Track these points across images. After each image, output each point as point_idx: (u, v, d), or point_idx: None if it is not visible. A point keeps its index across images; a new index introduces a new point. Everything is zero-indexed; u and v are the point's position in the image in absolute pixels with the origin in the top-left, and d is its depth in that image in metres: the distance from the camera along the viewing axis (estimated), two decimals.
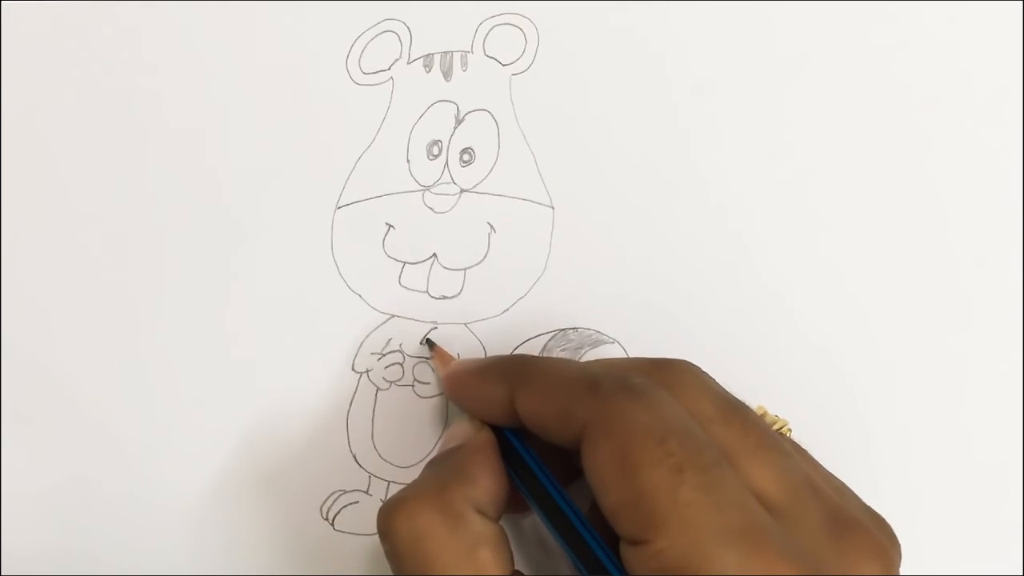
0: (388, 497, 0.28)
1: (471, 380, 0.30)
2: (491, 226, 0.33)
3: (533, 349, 0.34)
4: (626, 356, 0.33)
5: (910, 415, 0.35)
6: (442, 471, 0.28)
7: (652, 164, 0.34)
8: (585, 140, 0.33)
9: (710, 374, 0.28)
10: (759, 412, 0.29)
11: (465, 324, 0.33)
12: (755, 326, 0.34)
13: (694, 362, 0.29)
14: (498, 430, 0.29)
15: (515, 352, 0.34)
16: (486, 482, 0.28)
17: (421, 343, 0.33)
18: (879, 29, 0.34)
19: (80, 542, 0.33)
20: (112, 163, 0.32)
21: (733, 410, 0.27)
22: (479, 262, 0.33)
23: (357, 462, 0.33)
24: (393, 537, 0.26)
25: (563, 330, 0.34)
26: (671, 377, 0.27)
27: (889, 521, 0.27)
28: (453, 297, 0.33)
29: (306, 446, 0.33)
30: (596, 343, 0.34)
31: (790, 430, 0.30)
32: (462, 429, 0.29)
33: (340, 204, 0.33)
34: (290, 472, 0.33)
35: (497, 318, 0.34)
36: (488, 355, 0.33)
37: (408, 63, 0.33)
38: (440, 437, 0.33)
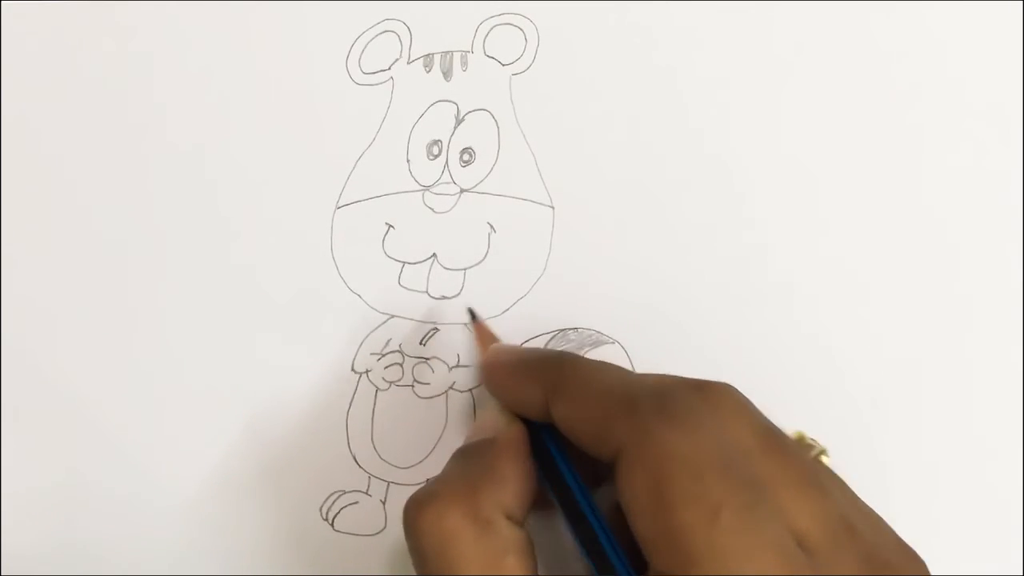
0: (417, 490, 0.27)
1: (508, 374, 0.29)
2: (491, 226, 0.33)
3: None
4: (666, 374, 0.31)
5: (910, 415, 0.35)
6: (473, 469, 0.27)
7: (652, 164, 0.34)
8: (585, 140, 0.33)
9: (750, 399, 0.27)
10: (797, 437, 0.28)
11: (465, 324, 0.33)
12: (756, 326, 0.34)
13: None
14: (531, 424, 0.28)
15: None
16: (516, 485, 0.27)
17: (422, 343, 0.33)
18: (878, 29, 0.34)
19: (80, 542, 0.33)
20: (112, 163, 0.32)
21: (774, 441, 0.26)
22: (479, 262, 0.33)
23: (357, 462, 0.33)
24: (419, 535, 0.26)
25: (563, 330, 0.34)
26: (711, 401, 0.26)
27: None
28: (453, 297, 0.33)
29: (306, 446, 0.33)
30: (596, 343, 0.34)
31: (828, 456, 0.29)
32: (493, 420, 0.29)
33: (340, 204, 0.33)
34: (290, 472, 0.33)
35: (497, 318, 0.33)
36: (527, 347, 0.33)
37: (408, 63, 0.33)
38: (439, 438, 0.33)
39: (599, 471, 0.29)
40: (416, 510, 0.26)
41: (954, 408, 0.35)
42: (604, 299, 0.34)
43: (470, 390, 0.34)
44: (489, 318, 0.33)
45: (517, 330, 0.34)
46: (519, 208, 0.33)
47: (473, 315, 0.33)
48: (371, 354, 0.33)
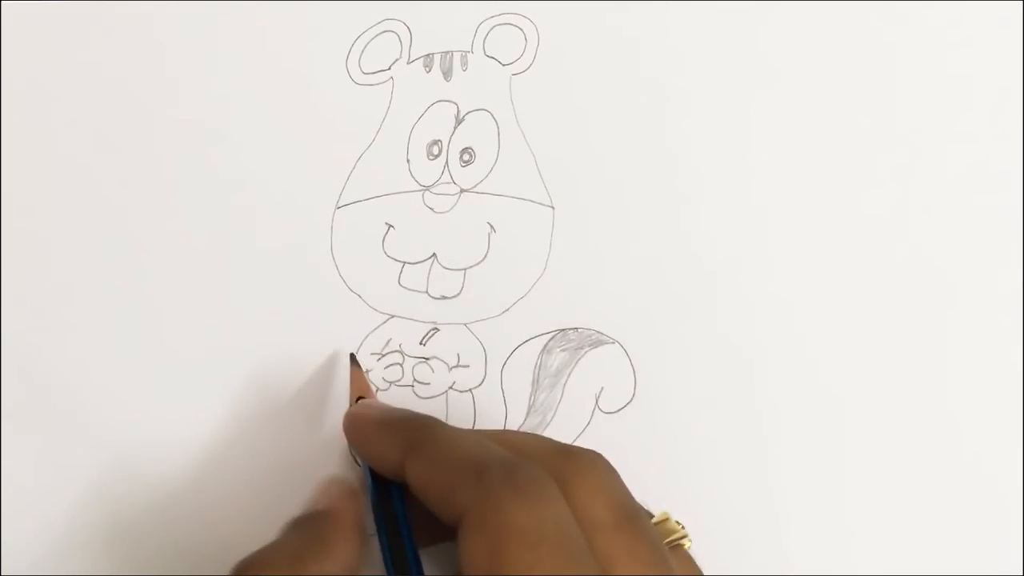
0: (245, 556, 0.27)
1: (369, 429, 0.29)
2: (491, 226, 0.33)
3: (533, 349, 0.34)
4: (542, 435, 0.31)
5: (911, 414, 0.35)
6: (303, 540, 0.28)
7: (652, 164, 0.34)
8: (585, 140, 0.33)
9: (617, 471, 0.27)
10: (661, 519, 0.28)
11: (465, 324, 0.33)
12: (755, 326, 0.34)
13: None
14: (385, 482, 0.29)
15: (517, 349, 0.34)
16: (344, 555, 0.28)
17: (422, 343, 0.33)
18: (878, 30, 0.34)
19: (79, 542, 0.33)
20: (112, 163, 0.32)
21: (626, 519, 0.26)
22: (479, 262, 0.33)
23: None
24: None
25: (563, 330, 0.34)
26: (572, 470, 0.26)
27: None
28: (453, 297, 0.33)
29: (306, 446, 0.33)
30: (596, 343, 0.34)
31: (690, 542, 0.29)
32: (329, 492, 0.29)
33: (340, 204, 0.33)
34: (290, 472, 0.33)
35: (497, 318, 0.34)
36: (393, 406, 0.32)
37: (408, 63, 0.33)
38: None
39: (437, 532, 0.29)
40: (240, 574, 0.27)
41: (954, 407, 0.35)
42: (604, 299, 0.34)
43: (470, 390, 0.34)
44: (489, 318, 0.33)
45: (517, 330, 0.34)
46: (519, 208, 0.33)
47: (353, 360, 0.33)
48: (371, 354, 0.33)
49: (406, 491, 0.28)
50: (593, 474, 0.26)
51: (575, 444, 0.28)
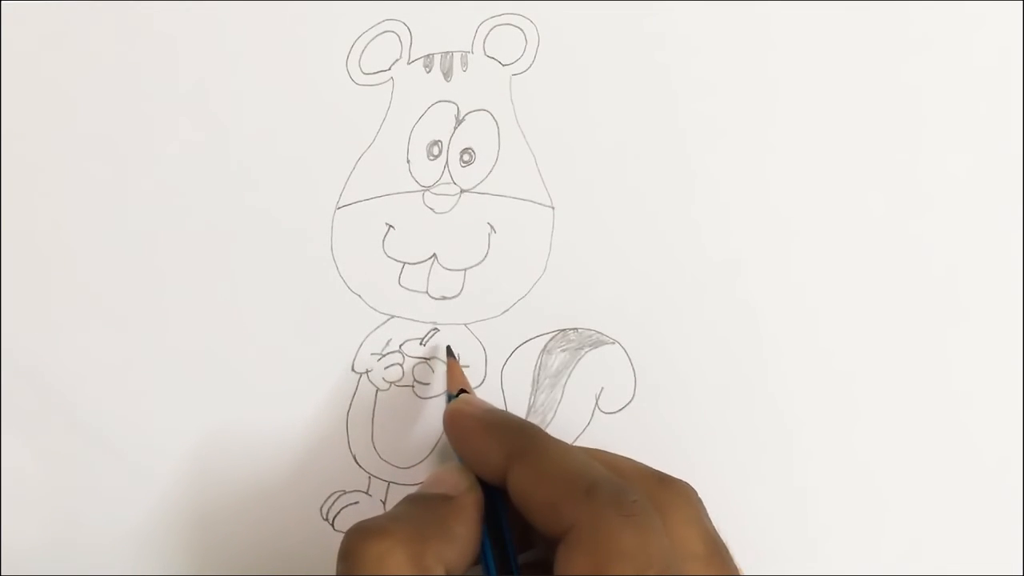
0: (364, 520, 0.27)
1: (472, 429, 0.29)
2: (491, 226, 0.33)
3: (533, 349, 0.34)
4: (635, 459, 0.30)
5: (911, 414, 0.35)
6: (426, 519, 0.27)
7: (652, 164, 0.34)
8: (585, 140, 0.33)
9: (703, 503, 0.28)
10: None
11: (465, 324, 0.33)
12: (754, 325, 0.34)
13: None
14: (484, 485, 0.28)
15: (517, 350, 0.34)
16: (463, 545, 0.27)
17: (422, 343, 0.33)
18: (878, 30, 0.34)
19: (80, 542, 0.33)
20: (113, 163, 0.32)
21: (716, 552, 0.27)
22: (479, 262, 0.33)
23: (357, 463, 0.33)
24: (357, 564, 0.26)
25: (563, 330, 0.34)
26: (669, 499, 0.27)
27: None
28: (453, 297, 0.33)
29: (306, 447, 0.33)
30: (596, 343, 0.34)
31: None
32: (454, 479, 0.29)
33: (340, 204, 0.33)
34: (290, 473, 0.33)
35: (497, 318, 0.34)
36: (496, 406, 0.32)
37: (408, 63, 0.33)
38: (434, 448, 0.33)
39: (524, 538, 0.29)
40: (361, 539, 0.26)
41: (954, 407, 0.35)
42: (604, 299, 0.34)
43: None
44: (489, 318, 0.33)
45: (517, 330, 0.34)
46: (519, 208, 0.33)
47: (450, 352, 0.33)
48: (371, 354, 0.33)
49: (502, 496, 0.28)
50: (688, 504, 0.27)
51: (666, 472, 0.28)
